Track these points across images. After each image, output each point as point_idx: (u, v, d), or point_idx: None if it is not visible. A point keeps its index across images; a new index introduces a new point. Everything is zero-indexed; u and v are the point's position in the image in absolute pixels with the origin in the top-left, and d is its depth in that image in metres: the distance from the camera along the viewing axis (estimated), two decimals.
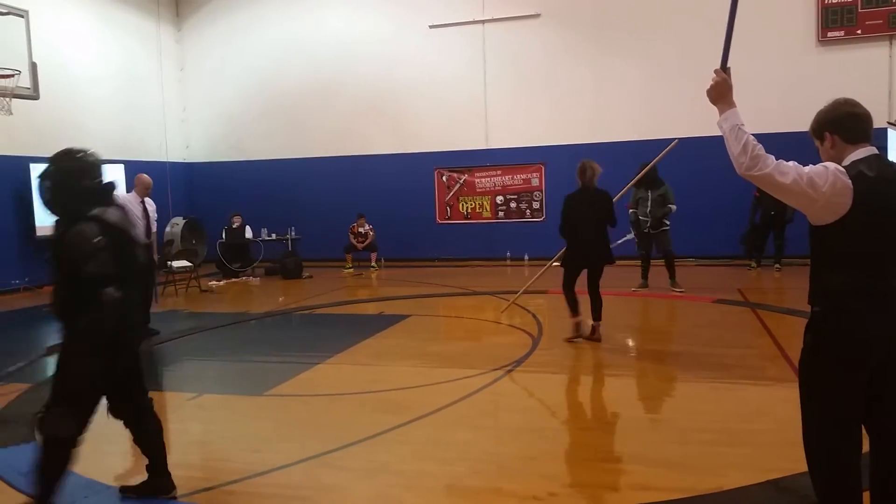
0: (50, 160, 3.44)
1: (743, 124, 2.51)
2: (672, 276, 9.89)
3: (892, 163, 2.58)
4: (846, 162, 2.50)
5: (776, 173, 2.41)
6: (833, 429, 2.50)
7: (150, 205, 7.97)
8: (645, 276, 10.09)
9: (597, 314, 6.87)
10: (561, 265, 7.06)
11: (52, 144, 13.43)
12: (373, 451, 4.21)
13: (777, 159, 2.45)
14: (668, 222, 9.87)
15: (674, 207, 9.87)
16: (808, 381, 2.57)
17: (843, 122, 2.55)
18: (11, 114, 9.46)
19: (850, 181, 2.38)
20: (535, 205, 14.45)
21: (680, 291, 9.65)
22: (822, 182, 2.38)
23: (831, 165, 2.45)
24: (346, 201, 14.74)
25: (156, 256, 8.21)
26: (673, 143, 8.11)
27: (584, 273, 6.88)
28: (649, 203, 9.81)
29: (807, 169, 2.42)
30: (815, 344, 2.51)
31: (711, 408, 4.89)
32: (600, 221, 6.79)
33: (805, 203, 2.42)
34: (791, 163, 2.45)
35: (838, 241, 2.42)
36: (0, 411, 5.15)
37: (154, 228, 8.05)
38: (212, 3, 16.09)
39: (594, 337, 6.79)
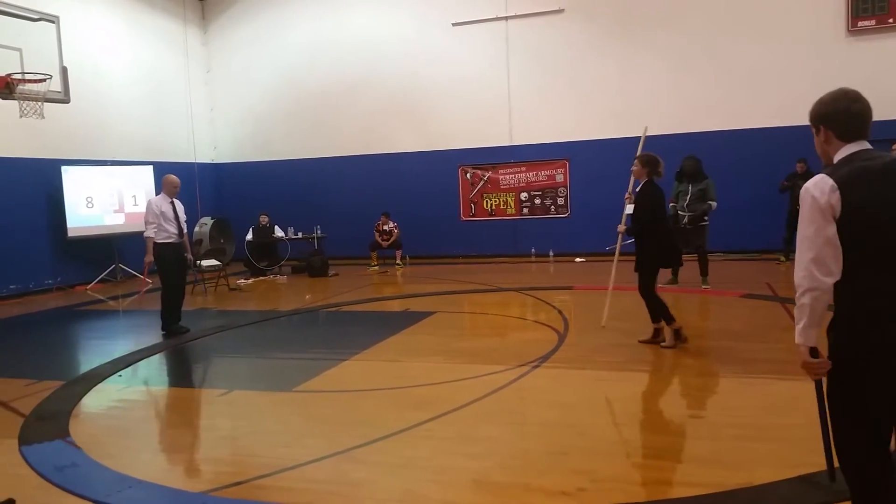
0: None
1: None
2: (704, 272, 9.72)
3: (882, 153, 2.50)
4: (836, 157, 2.47)
5: (815, 267, 2.35)
6: (859, 428, 2.47)
7: (180, 205, 8.08)
8: (675, 271, 9.97)
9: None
10: (640, 266, 6.43)
11: (83, 147, 13.73)
12: (400, 446, 4.23)
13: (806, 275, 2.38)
14: (707, 218, 9.68)
15: (714, 204, 9.65)
16: (831, 381, 2.54)
17: (839, 119, 2.49)
18: (43, 117, 9.64)
19: (832, 185, 2.34)
20: (560, 201, 14.39)
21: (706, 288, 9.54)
22: (823, 223, 2.33)
23: (807, 196, 2.38)
24: (370, 199, 14.82)
25: (189, 256, 8.32)
26: (644, 131, 7.69)
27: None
28: (689, 197, 9.63)
29: (809, 232, 2.36)
30: (837, 344, 2.47)
31: (740, 402, 4.84)
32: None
33: (834, 236, 2.36)
34: (801, 251, 2.39)
35: (846, 242, 2.37)
36: (35, 409, 5.26)
37: (185, 228, 8.16)
38: (237, 5, 16.25)
39: (657, 340, 6.52)
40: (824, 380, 2.57)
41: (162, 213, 7.83)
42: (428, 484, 3.67)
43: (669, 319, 6.33)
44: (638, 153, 6.61)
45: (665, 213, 6.44)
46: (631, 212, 6.49)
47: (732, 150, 12.91)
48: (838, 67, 12.22)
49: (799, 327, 2.46)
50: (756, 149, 12.85)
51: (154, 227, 7.80)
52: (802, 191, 2.42)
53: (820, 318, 2.42)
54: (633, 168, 6.43)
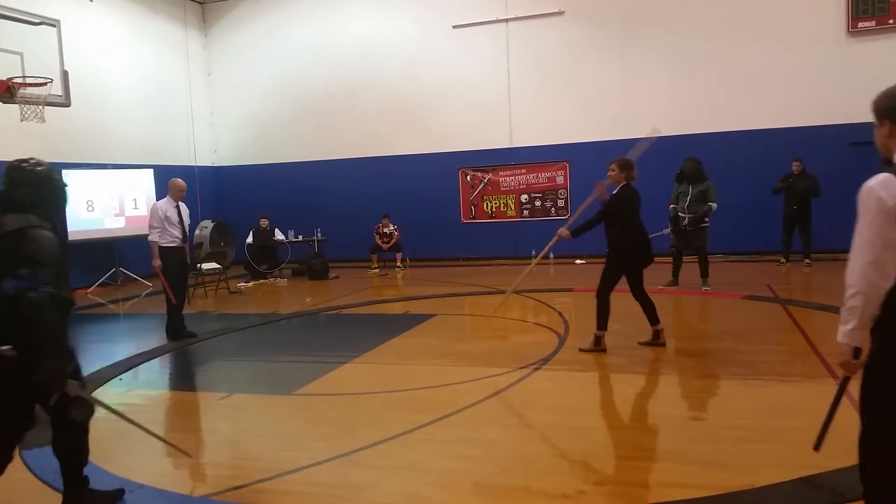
0: None
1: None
2: (704, 274, 9.69)
3: None
4: None
5: (872, 270, 2.29)
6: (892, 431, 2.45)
7: (185, 209, 8.07)
8: (676, 273, 9.97)
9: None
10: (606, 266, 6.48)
11: (85, 151, 13.70)
12: (401, 449, 4.22)
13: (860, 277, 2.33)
14: (707, 220, 9.61)
15: (714, 206, 9.58)
16: (872, 387, 2.50)
17: None
18: (44, 121, 9.65)
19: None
20: (560, 203, 14.39)
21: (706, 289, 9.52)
22: (885, 225, 2.27)
23: (872, 197, 2.31)
24: (371, 202, 14.82)
25: (189, 259, 8.30)
26: (654, 132, 7.43)
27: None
28: (689, 199, 9.58)
29: (869, 234, 2.31)
30: (882, 349, 2.44)
31: (742, 405, 4.83)
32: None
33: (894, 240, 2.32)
34: (858, 252, 2.34)
35: None
36: (37, 412, 5.24)
37: (188, 232, 8.16)
38: (237, 8, 16.27)
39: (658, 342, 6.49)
40: (856, 380, 2.54)
41: (166, 217, 7.81)
42: (429, 487, 3.66)
43: (603, 326, 6.36)
44: (638, 155, 6.59)
45: (638, 216, 6.33)
46: (591, 216, 6.42)
47: (733, 151, 12.90)
48: (839, 68, 12.24)
49: (846, 328, 2.41)
50: (757, 150, 12.84)
51: (158, 231, 7.76)
52: (865, 190, 2.34)
53: (869, 320, 2.38)
54: (611, 173, 6.37)
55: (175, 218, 7.88)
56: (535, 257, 7.55)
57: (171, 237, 7.83)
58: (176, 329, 7.92)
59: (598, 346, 6.37)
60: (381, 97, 15.14)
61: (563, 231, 6.44)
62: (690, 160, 9.79)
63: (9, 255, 3.06)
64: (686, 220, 9.60)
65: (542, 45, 14.11)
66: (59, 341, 3.14)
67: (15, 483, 3.93)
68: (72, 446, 3.46)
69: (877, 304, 2.34)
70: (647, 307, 6.46)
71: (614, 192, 6.40)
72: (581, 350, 6.42)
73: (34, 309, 2.99)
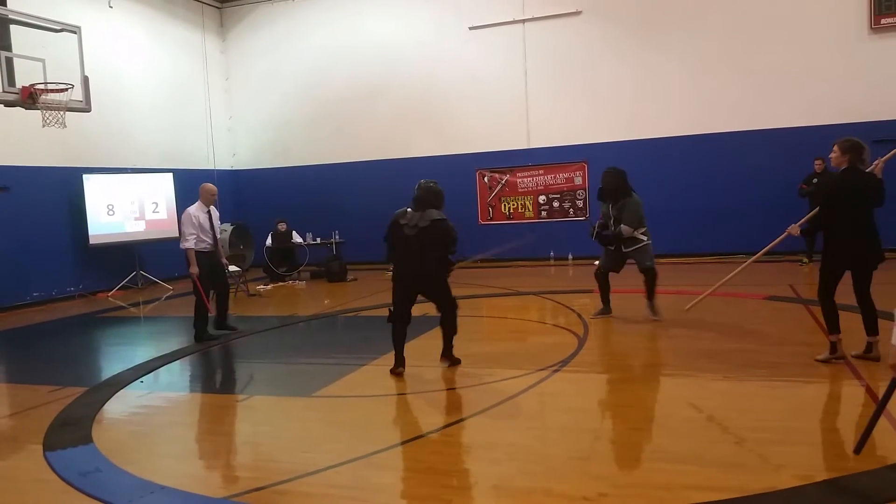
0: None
1: None
2: (650, 297, 7.89)
3: None
4: None
5: None
6: None
7: (215, 213, 8.12)
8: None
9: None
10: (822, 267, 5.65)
11: (104, 155, 13.84)
12: (420, 451, 4.22)
13: None
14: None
15: (625, 229, 7.71)
16: None
17: None
18: (65, 126, 9.76)
19: None
20: (579, 203, 14.33)
21: (656, 318, 7.80)
22: None
23: None
24: (388, 204, 14.62)
25: (224, 261, 8.37)
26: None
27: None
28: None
29: None
30: None
31: (764, 406, 4.77)
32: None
33: None
34: None
35: None
36: (58, 415, 5.31)
37: (219, 236, 8.22)
38: (254, 13, 16.38)
39: (872, 355, 5.60)
40: None
41: (200, 223, 7.84)
42: (448, 489, 3.65)
43: (834, 329, 5.58)
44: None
45: (864, 205, 5.37)
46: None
47: (753, 150, 12.78)
48: (861, 66, 12.09)
49: None
50: (778, 149, 12.70)
51: (194, 237, 7.77)
52: None
53: None
54: (832, 155, 5.56)
55: (207, 224, 7.93)
56: (751, 256, 6.97)
57: (203, 243, 7.87)
58: (200, 333, 7.96)
59: (835, 354, 5.59)
60: (397, 99, 15.17)
61: (794, 228, 5.91)
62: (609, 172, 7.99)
63: (439, 234, 5.89)
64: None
65: (559, 45, 14.06)
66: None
67: (38, 484, 3.98)
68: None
69: None
70: (867, 311, 5.55)
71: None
72: (817, 360, 5.64)
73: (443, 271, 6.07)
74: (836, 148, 5.51)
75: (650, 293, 7.86)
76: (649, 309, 7.86)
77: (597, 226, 8.11)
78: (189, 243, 7.77)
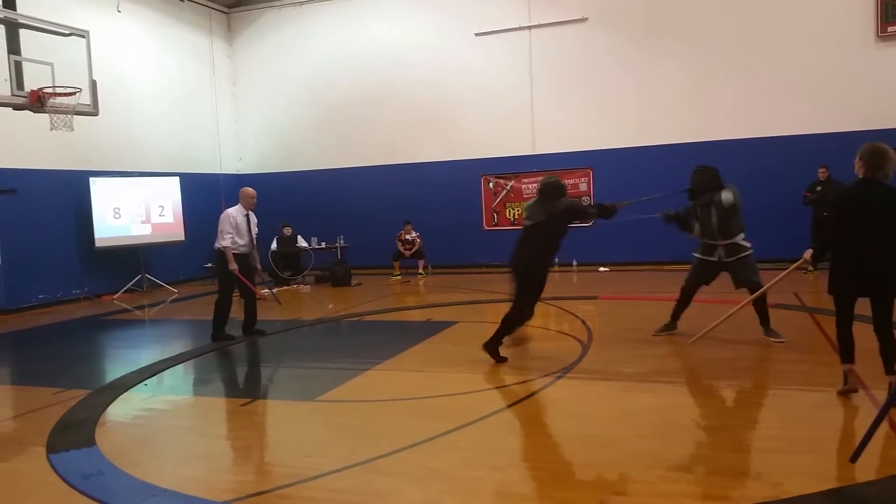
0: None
1: None
2: (764, 322, 7.15)
3: None
4: None
5: None
6: None
7: (254, 218, 8.25)
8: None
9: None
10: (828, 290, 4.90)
11: (111, 159, 13.86)
12: (423, 457, 4.21)
13: None
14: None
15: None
16: None
17: None
18: (73, 130, 9.81)
19: None
20: None
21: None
22: None
23: None
24: (393, 209, 14.86)
25: (258, 266, 8.44)
26: None
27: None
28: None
29: None
30: None
31: (769, 414, 4.76)
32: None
33: None
34: None
35: None
36: (62, 417, 5.32)
37: (255, 241, 8.32)
38: (261, 18, 16.45)
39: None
40: None
41: (237, 225, 7.97)
42: (450, 495, 3.65)
43: (847, 359, 4.94)
44: None
45: (865, 224, 4.68)
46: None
47: (758, 158, 12.75)
48: (867, 73, 12.07)
49: None
50: (783, 157, 12.67)
51: (231, 236, 7.92)
52: None
53: None
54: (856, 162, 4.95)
55: (245, 227, 8.04)
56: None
57: (237, 244, 7.99)
58: (218, 331, 8.07)
59: (847, 385, 4.94)
60: (403, 105, 15.21)
61: (808, 254, 5.40)
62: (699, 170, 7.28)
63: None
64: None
65: (564, 52, 14.08)
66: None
67: (41, 486, 3.99)
68: None
69: None
70: (886, 346, 4.75)
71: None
72: (839, 393, 4.94)
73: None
74: (859, 154, 4.92)
75: (764, 318, 6.84)
76: (768, 335, 6.81)
77: (667, 213, 7.17)
78: (225, 242, 7.91)
